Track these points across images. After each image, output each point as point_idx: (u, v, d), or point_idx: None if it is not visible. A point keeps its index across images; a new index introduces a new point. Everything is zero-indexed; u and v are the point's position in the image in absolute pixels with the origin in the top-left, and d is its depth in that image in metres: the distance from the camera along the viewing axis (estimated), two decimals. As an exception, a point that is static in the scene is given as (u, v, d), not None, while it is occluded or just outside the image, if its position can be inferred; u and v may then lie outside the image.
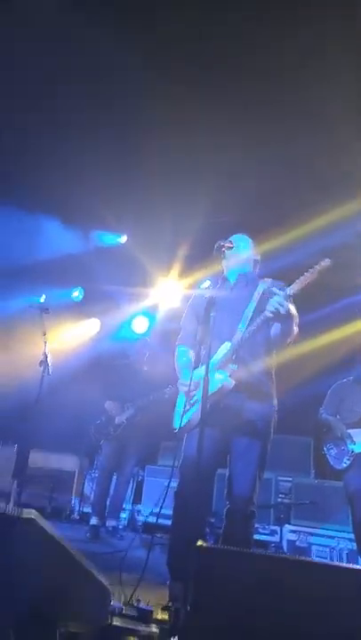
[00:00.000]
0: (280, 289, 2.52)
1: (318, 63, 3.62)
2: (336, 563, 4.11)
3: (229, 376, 2.52)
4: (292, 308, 2.51)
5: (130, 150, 4.67)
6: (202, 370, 2.44)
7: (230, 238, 2.81)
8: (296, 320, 2.57)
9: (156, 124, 4.29)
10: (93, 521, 4.67)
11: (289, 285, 2.74)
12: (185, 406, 2.57)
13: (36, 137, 4.56)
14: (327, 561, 4.25)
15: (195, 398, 2.55)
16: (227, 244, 2.60)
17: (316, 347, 5.17)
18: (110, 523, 4.74)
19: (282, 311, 2.43)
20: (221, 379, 2.51)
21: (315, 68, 3.67)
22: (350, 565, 3.32)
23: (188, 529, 2.10)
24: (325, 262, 2.42)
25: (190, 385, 2.47)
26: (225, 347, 2.59)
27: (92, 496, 5.07)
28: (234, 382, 2.51)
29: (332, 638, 1.51)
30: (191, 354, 2.82)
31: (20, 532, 1.68)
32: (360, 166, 4.43)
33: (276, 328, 2.58)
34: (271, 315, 2.45)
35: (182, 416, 2.57)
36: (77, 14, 3.45)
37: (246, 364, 2.57)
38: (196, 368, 2.64)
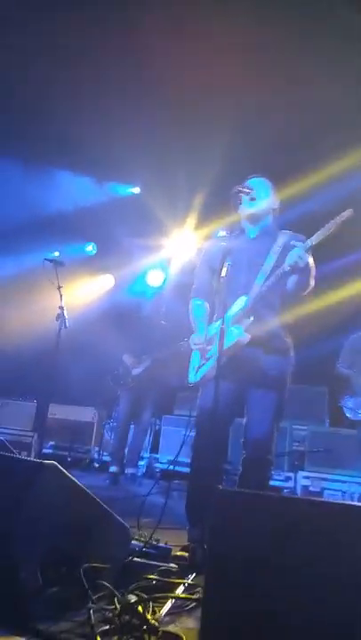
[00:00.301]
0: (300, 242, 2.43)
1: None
2: (350, 502, 4.23)
3: (245, 330, 2.48)
4: (311, 261, 2.42)
5: (143, 97, 4.49)
6: (217, 325, 2.43)
7: (248, 182, 2.66)
8: (313, 273, 2.48)
9: (171, 69, 4.10)
10: (113, 469, 4.84)
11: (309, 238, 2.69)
12: (200, 361, 2.56)
13: (47, 87, 4.41)
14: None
15: (210, 353, 2.53)
16: (245, 190, 2.49)
17: (333, 298, 5.10)
18: (129, 470, 4.93)
19: (301, 264, 2.34)
20: (236, 333, 2.47)
21: (336, 13, 3.43)
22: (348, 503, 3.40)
23: (206, 478, 2.15)
24: (348, 212, 2.29)
25: (204, 341, 2.45)
26: (241, 300, 2.53)
27: (111, 445, 5.23)
28: (249, 336, 2.47)
29: (348, 578, 1.55)
30: (207, 306, 2.77)
31: (44, 478, 1.75)
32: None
33: (292, 281, 2.50)
34: (289, 268, 2.36)
35: (197, 370, 2.57)
36: None
37: (262, 317, 2.52)
38: (211, 323, 2.63)
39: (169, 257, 6.50)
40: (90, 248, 6.74)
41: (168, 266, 6.51)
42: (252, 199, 2.58)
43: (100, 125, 4.76)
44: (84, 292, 5.61)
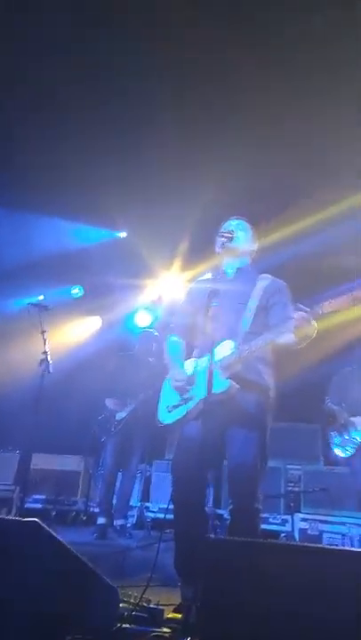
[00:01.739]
0: (304, 309, 2.33)
1: (321, 54, 3.52)
2: (344, 547, 4.10)
3: (233, 377, 2.43)
4: (315, 325, 2.35)
5: (128, 143, 4.56)
6: (195, 363, 2.43)
7: (228, 222, 2.74)
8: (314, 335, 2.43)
9: (155, 115, 4.20)
10: (100, 520, 4.58)
11: (285, 283, 2.71)
12: (177, 400, 2.52)
13: (31, 132, 4.45)
14: (337, 547, 4.24)
15: (190, 394, 2.48)
16: (226, 234, 2.57)
17: (319, 331, 5.09)
18: (118, 521, 4.66)
19: (307, 330, 2.32)
20: (225, 380, 2.43)
21: (317, 59, 3.57)
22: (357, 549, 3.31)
23: (192, 526, 2.04)
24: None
25: (186, 380, 2.40)
26: (228, 347, 2.48)
27: (98, 495, 4.96)
28: (238, 386, 2.43)
29: (343, 622, 1.49)
30: (182, 343, 2.75)
31: (24, 537, 1.64)
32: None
33: (289, 337, 2.41)
34: (293, 331, 2.31)
35: (171, 410, 2.51)
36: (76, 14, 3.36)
37: (246, 359, 2.48)
38: (187, 359, 2.61)
39: (157, 298, 6.52)
40: (76, 291, 6.72)
41: (156, 307, 6.52)
42: (233, 245, 2.63)
43: (87, 171, 4.81)
44: (69, 336, 5.51)
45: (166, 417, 2.58)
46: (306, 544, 2.14)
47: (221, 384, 2.41)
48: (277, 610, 1.52)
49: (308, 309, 2.28)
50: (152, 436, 4.98)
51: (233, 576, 1.58)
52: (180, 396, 2.50)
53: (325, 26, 3.34)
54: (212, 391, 2.35)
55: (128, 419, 4.72)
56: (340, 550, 1.70)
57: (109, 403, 4.82)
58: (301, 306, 2.33)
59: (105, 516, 4.59)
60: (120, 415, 4.75)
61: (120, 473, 4.89)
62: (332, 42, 3.45)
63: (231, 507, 2.43)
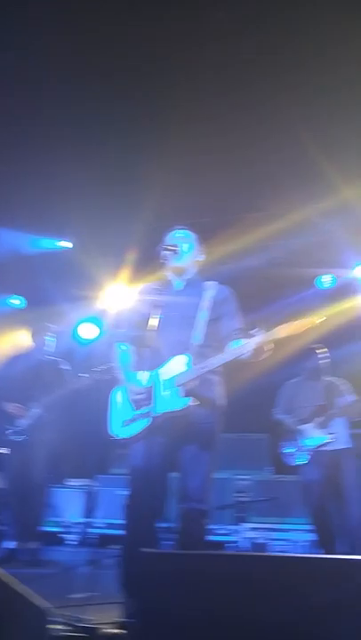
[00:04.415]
0: (256, 332, 2.39)
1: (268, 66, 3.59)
2: (282, 553, 4.15)
3: (189, 393, 2.45)
4: (269, 347, 2.43)
5: (73, 150, 4.46)
6: (150, 375, 2.43)
7: (173, 236, 2.72)
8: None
9: (99, 123, 4.15)
10: (11, 544, 4.10)
11: (232, 289, 2.75)
12: (132, 414, 2.49)
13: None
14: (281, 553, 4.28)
15: (147, 410, 2.44)
16: (170, 248, 2.57)
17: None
18: (29, 544, 4.12)
19: (262, 354, 2.41)
20: (185, 398, 2.44)
21: (264, 70, 3.62)
22: (292, 554, 3.39)
23: (143, 542, 2.01)
24: (317, 319, 2.33)
25: (141, 392, 2.41)
26: (182, 362, 2.48)
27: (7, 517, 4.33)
28: (196, 402, 2.45)
29: (283, 627, 1.48)
30: (132, 352, 2.71)
31: None
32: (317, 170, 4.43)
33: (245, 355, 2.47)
34: (250, 355, 2.39)
35: (126, 424, 2.49)
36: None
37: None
38: (140, 370, 2.58)
39: (103, 310, 6.41)
40: (16, 302, 6.51)
41: (102, 319, 6.42)
42: (177, 254, 2.62)
43: (31, 179, 4.68)
44: (8, 349, 5.25)
45: (121, 431, 2.54)
46: (238, 552, 2.18)
47: (181, 402, 2.43)
48: (216, 619, 1.50)
49: (265, 333, 2.33)
50: (59, 441, 4.43)
51: (169, 589, 1.57)
52: (136, 410, 2.47)
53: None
54: (171, 408, 2.41)
55: (33, 427, 4.19)
56: (273, 556, 1.74)
57: (10, 408, 4.20)
58: (259, 330, 2.36)
59: (15, 538, 4.11)
60: (24, 423, 4.20)
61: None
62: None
63: (182, 509, 2.47)
